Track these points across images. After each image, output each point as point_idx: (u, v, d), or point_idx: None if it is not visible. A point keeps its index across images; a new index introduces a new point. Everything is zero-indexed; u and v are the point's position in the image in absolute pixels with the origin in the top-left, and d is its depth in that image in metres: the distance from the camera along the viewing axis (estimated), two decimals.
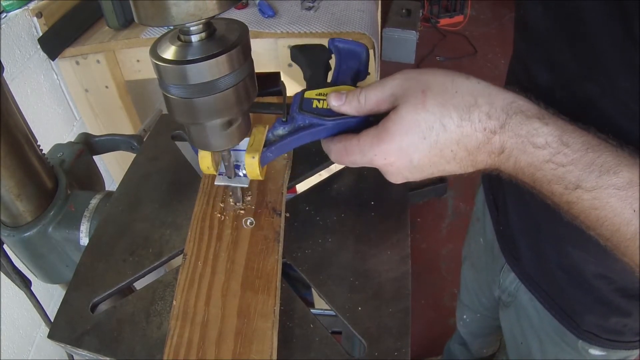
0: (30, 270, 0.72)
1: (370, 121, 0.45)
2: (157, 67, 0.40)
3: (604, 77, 0.44)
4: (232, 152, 0.51)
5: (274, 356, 0.49)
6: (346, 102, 0.44)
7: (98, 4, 1.17)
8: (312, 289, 0.57)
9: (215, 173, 0.52)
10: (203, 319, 0.51)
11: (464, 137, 0.39)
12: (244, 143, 0.48)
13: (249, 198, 0.64)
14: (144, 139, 0.81)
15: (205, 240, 0.59)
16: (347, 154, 0.44)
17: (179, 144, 0.78)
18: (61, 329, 0.55)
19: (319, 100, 0.47)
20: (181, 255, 0.58)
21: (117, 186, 0.71)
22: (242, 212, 0.62)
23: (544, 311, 0.72)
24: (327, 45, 0.54)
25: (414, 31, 2.97)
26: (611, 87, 0.44)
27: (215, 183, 0.52)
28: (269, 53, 1.18)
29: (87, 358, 0.54)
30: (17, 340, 1.05)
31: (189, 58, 0.39)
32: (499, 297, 0.89)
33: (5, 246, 0.67)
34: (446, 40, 3.30)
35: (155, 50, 0.41)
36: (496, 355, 1.41)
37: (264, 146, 0.48)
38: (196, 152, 0.52)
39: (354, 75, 0.52)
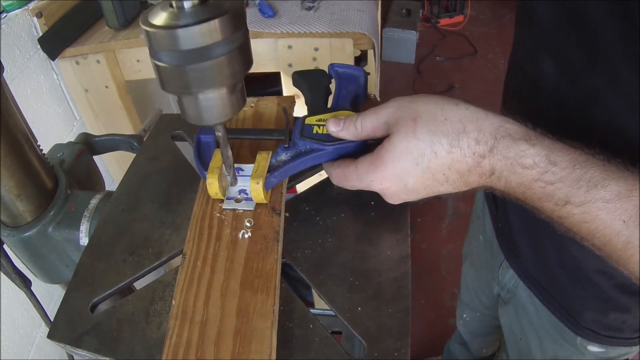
0: (30, 270, 0.72)
1: (368, 145, 0.47)
2: (147, 33, 0.39)
3: (607, 70, 0.45)
4: (238, 177, 0.54)
5: (273, 356, 0.49)
6: (344, 128, 0.46)
7: (98, 4, 1.17)
8: (312, 289, 0.57)
9: (223, 198, 0.54)
10: (202, 319, 0.51)
11: (454, 162, 0.41)
12: (249, 169, 0.51)
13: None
14: (144, 139, 0.81)
15: (205, 239, 0.59)
16: (346, 180, 0.47)
17: (179, 144, 0.78)
18: (61, 329, 0.55)
19: (319, 126, 0.49)
20: (180, 255, 0.58)
21: (117, 186, 0.71)
22: (241, 212, 0.62)
23: (543, 308, 0.72)
24: (327, 71, 0.57)
25: (414, 31, 2.97)
26: (615, 79, 0.45)
27: (223, 207, 0.54)
28: (269, 53, 1.18)
29: (87, 358, 0.54)
30: (17, 340, 1.05)
31: (181, 23, 0.38)
32: (498, 294, 0.89)
33: (5, 246, 0.67)
34: (446, 40, 3.30)
35: (146, 17, 0.40)
36: (496, 355, 1.41)
37: (268, 171, 0.51)
38: (204, 178, 0.54)
39: (353, 100, 0.54)
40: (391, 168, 0.42)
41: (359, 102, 0.57)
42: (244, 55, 0.43)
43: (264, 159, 0.51)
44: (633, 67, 0.42)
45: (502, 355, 1.37)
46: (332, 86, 0.58)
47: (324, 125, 0.49)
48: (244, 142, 0.72)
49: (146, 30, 0.39)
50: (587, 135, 0.41)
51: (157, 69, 0.41)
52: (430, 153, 0.41)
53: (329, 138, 0.48)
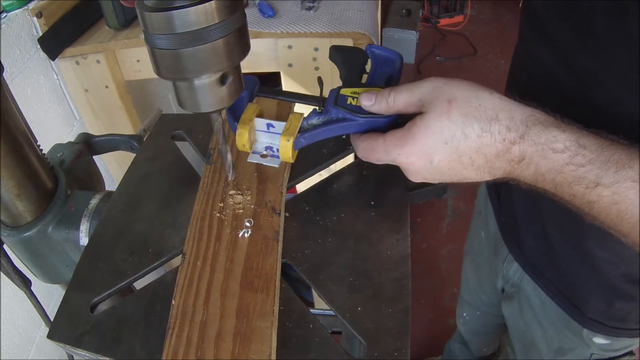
0: (30, 270, 0.72)
1: (398, 122, 0.48)
2: (142, 16, 0.39)
3: (601, 50, 0.47)
4: (266, 133, 0.54)
5: (273, 356, 0.49)
6: (376, 102, 0.47)
7: (98, 4, 1.17)
8: (312, 289, 0.57)
9: (249, 151, 0.54)
10: (202, 319, 0.51)
11: (483, 146, 0.42)
12: (280, 126, 0.52)
13: (248, 197, 0.64)
14: (144, 139, 0.81)
15: (205, 239, 0.59)
16: (372, 152, 0.47)
17: (179, 144, 0.78)
18: (61, 329, 0.55)
19: (353, 97, 0.50)
20: (180, 255, 0.58)
21: (117, 186, 0.71)
22: (241, 212, 0.62)
23: (548, 300, 0.72)
24: (365, 50, 0.57)
25: (414, 31, 2.97)
26: (609, 59, 0.46)
27: (248, 160, 0.54)
28: (269, 53, 1.18)
29: (86, 358, 0.54)
30: (17, 340, 1.05)
31: (176, 4, 0.37)
32: (502, 289, 0.90)
33: (5, 246, 0.67)
34: (446, 41, 3.29)
35: (142, 1, 0.39)
36: (496, 354, 1.41)
37: (298, 132, 0.51)
38: (234, 129, 0.54)
39: (387, 80, 0.55)
40: (420, 144, 0.43)
41: (392, 84, 0.57)
42: (241, 39, 0.42)
43: (296, 119, 0.52)
44: (625, 44, 0.43)
45: (502, 355, 1.37)
46: (367, 68, 0.59)
47: (357, 98, 0.50)
48: None
49: (141, 13, 0.39)
50: (588, 117, 0.42)
51: (152, 53, 0.41)
52: (461, 135, 0.42)
53: (361, 110, 0.49)
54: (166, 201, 0.68)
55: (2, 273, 0.67)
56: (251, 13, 1.21)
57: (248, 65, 0.47)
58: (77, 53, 1.18)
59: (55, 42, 1.14)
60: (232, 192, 0.64)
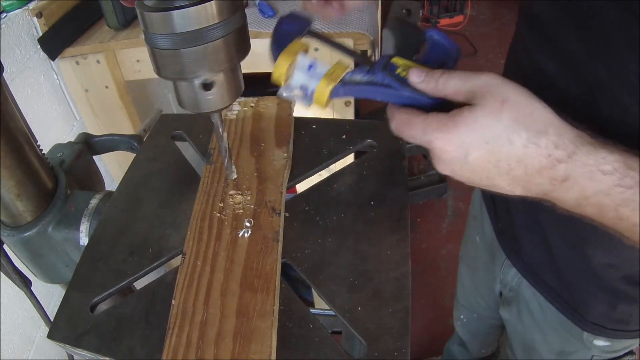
0: (30, 270, 0.72)
1: (442, 108, 0.46)
2: (142, 16, 0.39)
3: (611, 61, 0.46)
4: (306, 73, 0.51)
5: (273, 356, 0.49)
6: (425, 80, 0.45)
7: (98, 4, 1.17)
8: (312, 289, 0.57)
9: (282, 84, 0.51)
10: (202, 319, 0.51)
11: (526, 157, 0.40)
12: (323, 69, 0.50)
13: (248, 197, 0.64)
14: (144, 139, 0.81)
15: (205, 239, 0.59)
16: (409, 127, 0.44)
17: (179, 144, 0.78)
18: (61, 328, 0.55)
19: (403, 69, 0.48)
20: (180, 255, 0.58)
21: (117, 186, 0.71)
22: (241, 212, 0.62)
23: (547, 305, 0.72)
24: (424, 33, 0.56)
25: None
26: (621, 69, 0.45)
27: (279, 93, 0.51)
28: (269, 53, 1.18)
29: (87, 358, 0.54)
30: (17, 340, 1.05)
31: (176, 4, 0.38)
32: (500, 293, 0.89)
33: (5, 246, 0.67)
34: None
35: (142, 1, 0.39)
36: (495, 355, 1.41)
37: (339, 81, 0.49)
38: (275, 58, 0.52)
39: (439, 66, 0.53)
40: (461, 134, 0.41)
41: None
42: (242, 39, 0.43)
43: (340, 68, 0.50)
44: (637, 57, 0.42)
45: (503, 356, 1.37)
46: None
47: (407, 71, 0.48)
48: (244, 143, 0.72)
49: (141, 13, 0.39)
50: (594, 127, 0.41)
51: (152, 52, 0.41)
52: (506, 139, 0.39)
53: (407, 84, 0.47)
54: (166, 201, 0.68)
55: (2, 273, 0.67)
56: (251, 13, 1.21)
57: (248, 65, 0.46)
58: (77, 53, 1.18)
59: (55, 42, 1.14)
60: (232, 192, 0.64)
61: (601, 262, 0.61)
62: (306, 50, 0.52)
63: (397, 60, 0.49)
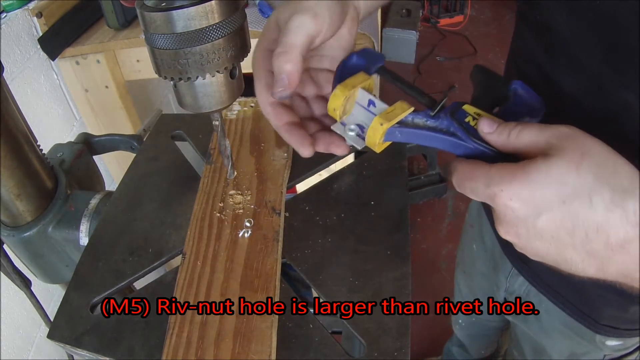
0: (30, 270, 0.72)
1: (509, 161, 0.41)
2: (142, 16, 0.39)
3: (638, 82, 0.42)
4: (364, 110, 0.47)
5: (273, 356, 0.49)
6: (496, 132, 0.39)
7: (98, 4, 1.17)
8: (312, 289, 0.57)
9: (337, 119, 0.47)
10: (202, 319, 0.51)
11: (608, 225, 0.33)
12: (381, 107, 0.45)
13: (248, 197, 0.64)
14: (144, 139, 0.81)
15: (205, 239, 0.59)
16: (470, 178, 0.38)
17: (179, 144, 0.78)
18: (61, 329, 0.55)
19: (473, 118, 0.44)
20: (180, 255, 0.58)
21: (117, 186, 0.71)
22: (241, 212, 0.62)
23: (557, 310, 0.72)
24: (509, 84, 0.50)
25: (414, 31, 2.97)
26: None
27: (332, 127, 0.47)
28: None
29: (87, 358, 0.54)
30: (17, 340, 1.05)
31: (177, 4, 0.38)
32: (504, 300, 0.89)
33: (5, 246, 0.67)
34: (446, 40, 3.29)
35: (142, 1, 0.39)
36: (495, 355, 1.41)
37: (397, 123, 0.44)
38: (333, 87, 0.47)
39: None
40: (533, 188, 0.34)
41: None
42: (242, 39, 0.43)
43: (402, 108, 0.45)
44: None
45: (512, 353, 1.37)
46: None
47: (477, 120, 0.43)
48: (244, 143, 0.72)
49: (141, 13, 0.39)
50: (616, 147, 0.38)
51: (153, 52, 0.41)
52: (586, 199, 0.33)
53: (475, 134, 0.43)
54: (166, 201, 0.68)
55: (2, 273, 0.67)
56: (251, 13, 1.21)
57: (248, 65, 0.46)
58: (77, 53, 1.18)
59: (55, 42, 1.14)
60: (232, 192, 0.64)
61: None
62: (370, 87, 0.46)
63: (468, 108, 0.44)
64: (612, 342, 0.71)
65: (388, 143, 0.46)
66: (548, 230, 0.34)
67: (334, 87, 0.47)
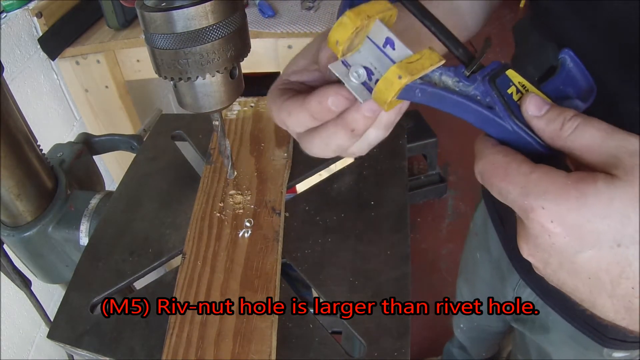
0: (30, 270, 0.72)
1: (557, 159, 0.32)
2: (142, 16, 0.39)
3: None
4: (377, 50, 0.35)
5: (273, 356, 0.49)
6: (545, 117, 0.30)
7: (98, 4, 1.17)
8: (312, 289, 0.57)
9: (339, 54, 0.35)
10: (202, 319, 0.51)
11: None
12: (402, 52, 0.34)
13: (248, 197, 0.64)
14: (144, 139, 0.81)
15: (205, 239, 0.59)
16: (504, 176, 0.29)
17: (179, 144, 0.78)
18: (61, 329, 0.55)
19: (517, 90, 0.34)
20: (180, 255, 0.58)
21: (117, 186, 0.71)
22: (241, 212, 0.62)
23: (562, 322, 0.71)
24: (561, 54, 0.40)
25: None
26: None
27: (331, 65, 0.36)
28: (269, 53, 1.18)
29: (87, 358, 0.54)
30: (17, 340, 1.05)
31: (177, 4, 0.38)
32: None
33: (5, 246, 0.67)
34: None
35: (142, 1, 0.40)
36: (495, 357, 1.41)
37: (420, 78, 0.34)
38: (341, 14, 0.35)
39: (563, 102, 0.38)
40: (584, 217, 0.26)
41: None
42: (242, 39, 0.43)
43: (431, 58, 0.33)
44: None
45: (515, 354, 1.37)
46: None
47: (522, 94, 0.33)
48: (244, 143, 0.72)
49: (141, 13, 0.39)
50: None
51: (153, 52, 0.41)
52: None
53: (517, 112, 0.32)
54: (166, 201, 0.68)
55: (2, 273, 0.67)
56: (251, 13, 1.21)
57: (248, 65, 0.45)
58: (77, 53, 1.18)
59: (55, 42, 1.15)
60: (232, 192, 0.64)
61: None
62: (390, 20, 0.35)
63: (512, 75, 0.34)
64: (618, 354, 0.70)
65: (401, 102, 0.36)
66: (588, 269, 0.28)
67: (340, 13, 0.35)
